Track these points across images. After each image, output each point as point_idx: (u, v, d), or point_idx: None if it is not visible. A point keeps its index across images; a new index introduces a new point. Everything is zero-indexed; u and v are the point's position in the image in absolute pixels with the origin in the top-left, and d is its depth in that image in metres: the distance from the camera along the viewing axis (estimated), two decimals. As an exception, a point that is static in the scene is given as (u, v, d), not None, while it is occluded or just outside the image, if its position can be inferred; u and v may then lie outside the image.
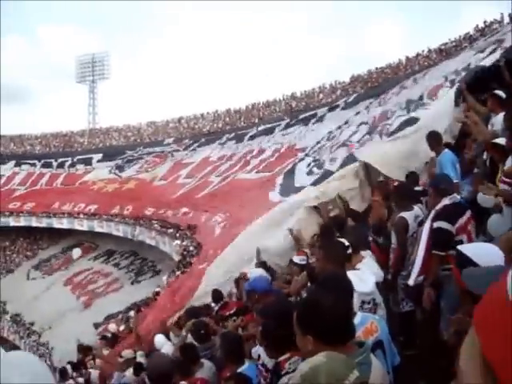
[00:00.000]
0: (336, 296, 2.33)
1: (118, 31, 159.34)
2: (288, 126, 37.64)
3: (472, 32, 30.48)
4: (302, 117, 37.53)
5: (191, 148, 44.87)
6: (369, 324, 3.03)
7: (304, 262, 6.22)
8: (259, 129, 40.54)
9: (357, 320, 2.93)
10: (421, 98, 22.37)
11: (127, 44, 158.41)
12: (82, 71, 69.84)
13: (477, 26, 30.47)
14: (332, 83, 41.49)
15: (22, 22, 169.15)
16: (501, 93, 6.84)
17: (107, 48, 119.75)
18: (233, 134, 42.84)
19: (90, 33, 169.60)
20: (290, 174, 26.90)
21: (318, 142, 29.85)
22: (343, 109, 33.26)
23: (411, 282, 4.92)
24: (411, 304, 5.45)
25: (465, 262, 2.22)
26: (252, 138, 39.90)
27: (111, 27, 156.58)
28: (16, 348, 32.98)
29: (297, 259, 6.39)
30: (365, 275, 3.94)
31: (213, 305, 7.41)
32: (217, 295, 7.53)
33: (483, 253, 2.23)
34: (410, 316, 5.52)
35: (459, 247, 2.33)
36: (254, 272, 6.48)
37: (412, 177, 7.47)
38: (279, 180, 26.82)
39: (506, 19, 27.33)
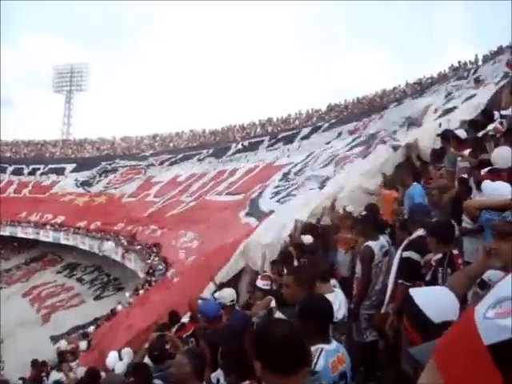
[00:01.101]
0: (288, 324, 2.34)
1: (99, 44, 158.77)
2: (271, 143, 37.87)
3: (447, 70, 31.38)
4: (284, 135, 37.82)
5: (168, 163, 44.71)
6: (341, 353, 3.08)
7: (268, 287, 6.15)
8: (243, 144, 40.69)
9: (332, 347, 3.01)
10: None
11: (107, 57, 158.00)
12: (59, 81, 69.22)
13: (452, 65, 31.43)
14: (308, 110, 41.97)
15: (3, 30, 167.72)
16: (460, 132, 7.18)
17: (87, 60, 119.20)
18: (212, 150, 42.86)
19: (71, 43, 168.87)
20: (257, 199, 26.87)
21: (303, 161, 29.97)
22: (325, 130, 33.82)
23: (382, 310, 4.91)
24: (375, 334, 5.42)
25: (414, 311, 2.00)
26: (234, 154, 39.97)
27: (92, 40, 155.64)
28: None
29: (261, 284, 6.29)
30: (336, 303, 3.91)
31: (173, 329, 7.26)
32: (174, 317, 7.39)
33: (435, 304, 2.05)
34: (372, 346, 5.48)
35: (411, 291, 2.17)
36: (220, 293, 6.37)
37: (373, 207, 7.50)
38: (248, 203, 26.76)
39: (480, 61, 28.44)
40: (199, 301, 6.51)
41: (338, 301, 4.38)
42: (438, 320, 1.92)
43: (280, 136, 38.31)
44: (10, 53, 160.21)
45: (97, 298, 36.22)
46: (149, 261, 26.29)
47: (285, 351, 2.09)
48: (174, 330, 6.92)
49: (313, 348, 2.84)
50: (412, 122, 21.59)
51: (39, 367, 13.61)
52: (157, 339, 5.70)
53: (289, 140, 36.68)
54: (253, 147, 39.24)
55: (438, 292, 2.26)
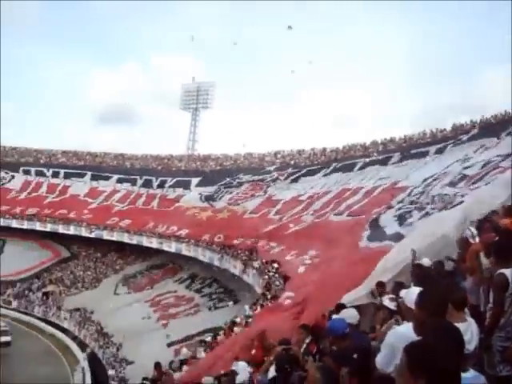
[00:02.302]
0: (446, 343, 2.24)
1: (224, 64, 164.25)
2: (402, 159, 37.06)
3: None
4: (414, 152, 36.87)
5: (293, 177, 45.17)
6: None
7: (395, 308, 5.98)
8: (371, 159, 40.34)
9: (467, 375, 2.85)
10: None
11: (231, 76, 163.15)
12: (186, 99, 72.45)
13: None
14: (433, 130, 40.67)
15: (137, 50, 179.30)
16: None
17: (213, 78, 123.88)
18: (339, 165, 42.72)
19: (198, 63, 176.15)
20: (379, 221, 26.17)
21: (425, 180, 28.97)
22: (452, 148, 32.55)
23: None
24: (509, 368, 5.09)
25: None
26: (360, 169, 39.62)
27: (218, 60, 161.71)
28: (94, 356, 34.16)
29: (390, 305, 6.12)
30: (468, 334, 3.74)
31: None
32: (316, 330, 7.39)
33: None
34: (507, 381, 5.15)
35: None
36: (343, 313, 6.32)
37: (508, 233, 7.05)
38: (369, 225, 26.15)
39: None
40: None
41: (469, 331, 4.18)
42: None
43: (411, 152, 37.21)
44: (142, 72, 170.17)
45: (212, 308, 37.24)
46: (266, 276, 26.56)
47: (453, 366, 2.07)
48: (307, 341, 6.91)
49: None
50: None
51: (161, 369, 14.14)
52: (283, 352, 5.74)
53: (419, 156, 35.43)
54: (382, 162, 38.51)
55: None
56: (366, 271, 9.90)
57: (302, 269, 23.02)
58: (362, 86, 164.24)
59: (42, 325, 40.48)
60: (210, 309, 37.32)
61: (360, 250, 19.15)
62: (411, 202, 26.54)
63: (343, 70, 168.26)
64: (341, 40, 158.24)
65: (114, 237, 47.71)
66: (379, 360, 3.73)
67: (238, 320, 19.34)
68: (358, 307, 8.59)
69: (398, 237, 17.26)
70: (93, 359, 33.38)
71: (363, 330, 7.37)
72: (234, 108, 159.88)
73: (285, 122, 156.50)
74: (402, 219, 24.17)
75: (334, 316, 6.98)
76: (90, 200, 53.46)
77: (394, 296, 6.49)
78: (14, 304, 44.65)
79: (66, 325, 40.43)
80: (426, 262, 8.67)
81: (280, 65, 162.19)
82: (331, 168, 42.78)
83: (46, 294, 45.96)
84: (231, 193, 48.05)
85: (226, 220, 43.22)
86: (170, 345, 31.97)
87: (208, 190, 49.91)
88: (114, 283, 46.33)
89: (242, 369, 6.56)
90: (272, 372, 5.64)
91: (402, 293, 5.35)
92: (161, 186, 53.36)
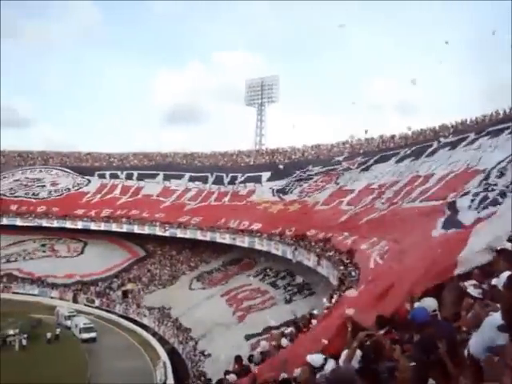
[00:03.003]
0: None
1: (286, 57, 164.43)
2: (475, 140, 35.15)
3: None
4: (491, 129, 34.91)
5: (363, 166, 44.53)
6: None
7: (480, 296, 5.76)
8: (442, 143, 39.00)
9: None
10: None
11: (295, 68, 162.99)
12: (251, 94, 72.94)
13: None
14: (506, 109, 38.82)
15: (200, 50, 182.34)
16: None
17: (276, 72, 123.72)
18: (412, 149, 41.61)
19: (261, 58, 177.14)
20: (454, 208, 25.25)
21: (501, 162, 27.67)
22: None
23: None
24: None
25: None
26: (432, 153, 38.27)
27: (280, 53, 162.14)
28: (174, 351, 35.06)
29: (473, 291, 5.91)
30: None
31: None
32: (383, 321, 7.30)
33: None
34: None
35: None
36: (423, 302, 6.20)
37: None
38: (444, 212, 25.27)
39: None
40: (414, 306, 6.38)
41: None
42: None
43: (485, 133, 35.41)
44: (206, 70, 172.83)
45: (288, 301, 37.26)
46: (341, 267, 26.29)
47: None
48: (381, 332, 6.82)
49: None
50: None
51: (241, 362, 14.29)
52: (366, 339, 5.68)
53: (494, 136, 33.66)
54: (454, 145, 37.02)
55: None
56: (447, 257, 9.62)
57: (377, 258, 22.67)
58: (425, 71, 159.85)
59: (124, 322, 42.08)
60: (285, 301, 37.38)
61: (438, 236, 18.56)
62: (488, 186, 25.54)
63: (404, 54, 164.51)
64: (402, 23, 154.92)
65: (188, 234, 48.77)
66: (473, 347, 3.63)
67: (315, 312, 19.28)
68: (438, 295, 8.41)
69: (477, 222, 16.65)
70: (173, 354, 34.30)
71: (445, 316, 7.19)
72: (300, 99, 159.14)
73: (349, 112, 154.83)
74: (479, 203, 23.31)
75: (416, 304, 6.86)
76: (162, 199, 54.95)
77: (477, 283, 6.28)
78: (97, 302, 46.72)
79: (145, 321, 41.78)
80: (508, 245, 8.38)
81: (341, 54, 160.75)
82: (401, 154, 41.73)
83: (125, 292, 47.64)
84: (302, 185, 48.00)
85: (297, 213, 43.20)
86: (247, 338, 32.25)
87: (279, 183, 50.15)
88: (189, 280, 47.32)
89: (320, 359, 6.50)
90: (357, 361, 5.58)
91: (494, 280, 5.17)
92: (232, 182, 54.09)
